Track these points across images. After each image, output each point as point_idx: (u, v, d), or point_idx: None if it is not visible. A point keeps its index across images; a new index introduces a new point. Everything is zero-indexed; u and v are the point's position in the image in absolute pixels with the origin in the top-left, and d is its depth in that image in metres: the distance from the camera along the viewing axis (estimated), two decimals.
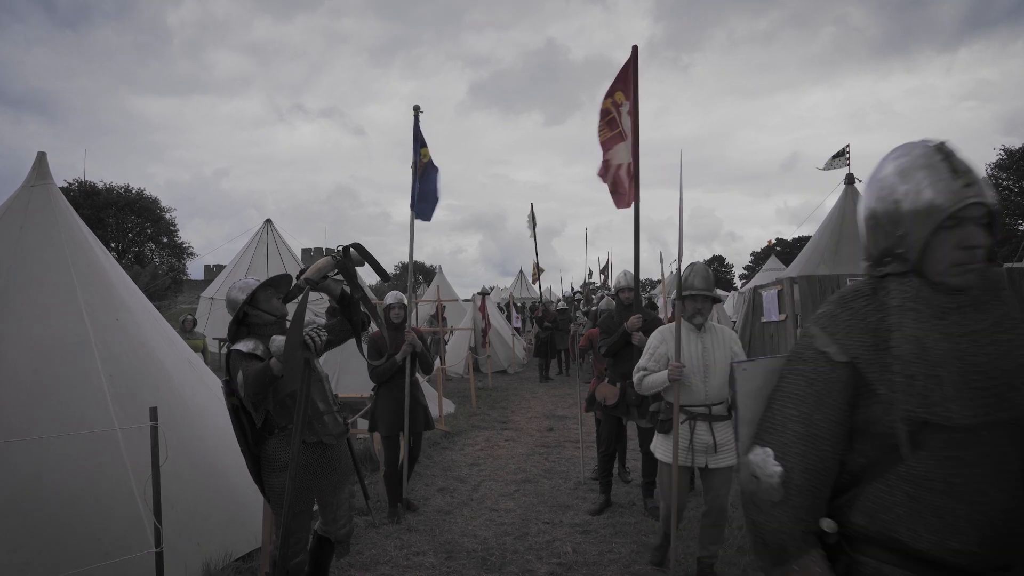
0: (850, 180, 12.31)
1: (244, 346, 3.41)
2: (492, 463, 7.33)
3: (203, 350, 11.01)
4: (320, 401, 3.48)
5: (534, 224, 19.07)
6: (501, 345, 16.67)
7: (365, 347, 5.22)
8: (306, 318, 3.41)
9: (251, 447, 3.45)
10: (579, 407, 9.66)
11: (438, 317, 14.53)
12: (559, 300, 22.24)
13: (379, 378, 5.51)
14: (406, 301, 5.75)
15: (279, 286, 3.58)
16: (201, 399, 4.74)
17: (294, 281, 3.39)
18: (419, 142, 5.85)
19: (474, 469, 7.11)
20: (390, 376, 5.50)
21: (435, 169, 6.03)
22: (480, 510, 5.74)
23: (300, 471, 3.27)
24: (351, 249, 3.21)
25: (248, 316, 3.53)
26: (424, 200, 5.91)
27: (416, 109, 5.88)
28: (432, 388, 10.03)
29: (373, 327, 5.25)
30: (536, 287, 19.89)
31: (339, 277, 3.25)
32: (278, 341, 3.30)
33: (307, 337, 3.16)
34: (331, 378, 5.48)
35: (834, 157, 12.80)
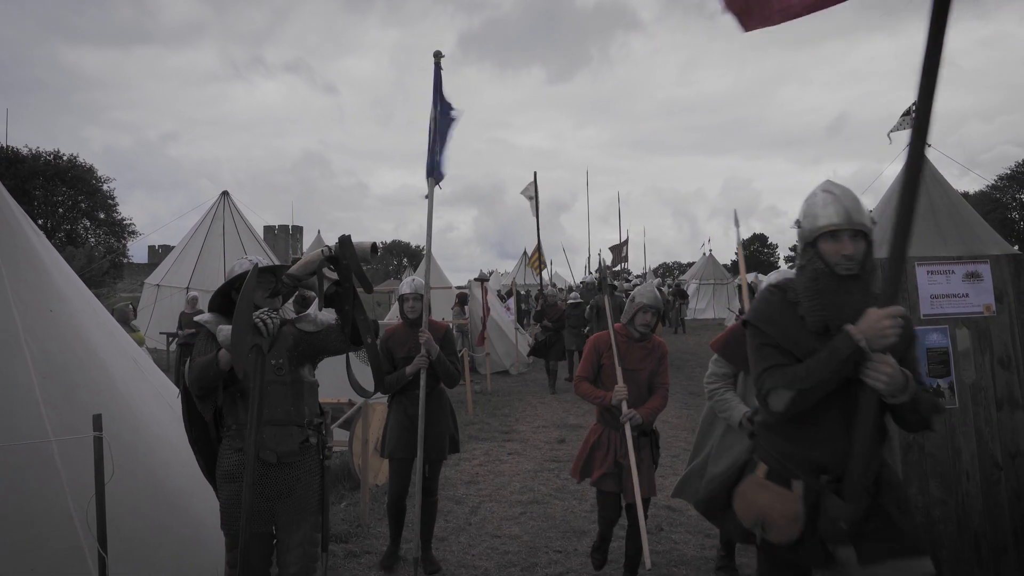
0: None
1: (204, 318, 3.47)
2: (493, 481, 7.34)
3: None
4: (274, 407, 3.46)
5: (537, 198, 17.68)
6: (502, 341, 16.66)
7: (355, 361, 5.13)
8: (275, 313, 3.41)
9: (213, 446, 3.52)
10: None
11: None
12: (569, 288, 21.75)
13: (389, 389, 5.18)
14: (423, 291, 5.32)
15: (277, 275, 3.59)
16: (150, 405, 4.73)
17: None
18: (440, 94, 5.75)
19: (472, 488, 7.12)
20: (403, 386, 5.16)
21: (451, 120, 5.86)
22: (479, 537, 5.75)
23: (250, 490, 3.25)
24: (342, 244, 3.20)
25: (233, 304, 3.54)
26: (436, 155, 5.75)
27: (437, 56, 5.80)
28: None
29: (393, 316, 5.19)
30: (540, 276, 19.17)
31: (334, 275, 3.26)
32: (226, 331, 3.30)
33: (257, 320, 3.16)
34: None
35: (901, 116, 12.73)
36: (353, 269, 3.23)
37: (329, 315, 3.66)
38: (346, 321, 3.37)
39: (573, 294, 15.05)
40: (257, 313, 3.20)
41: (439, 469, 5.24)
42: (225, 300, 3.63)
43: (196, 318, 3.55)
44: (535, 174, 16.60)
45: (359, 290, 3.25)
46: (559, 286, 29.43)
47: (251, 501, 3.18)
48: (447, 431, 5.22)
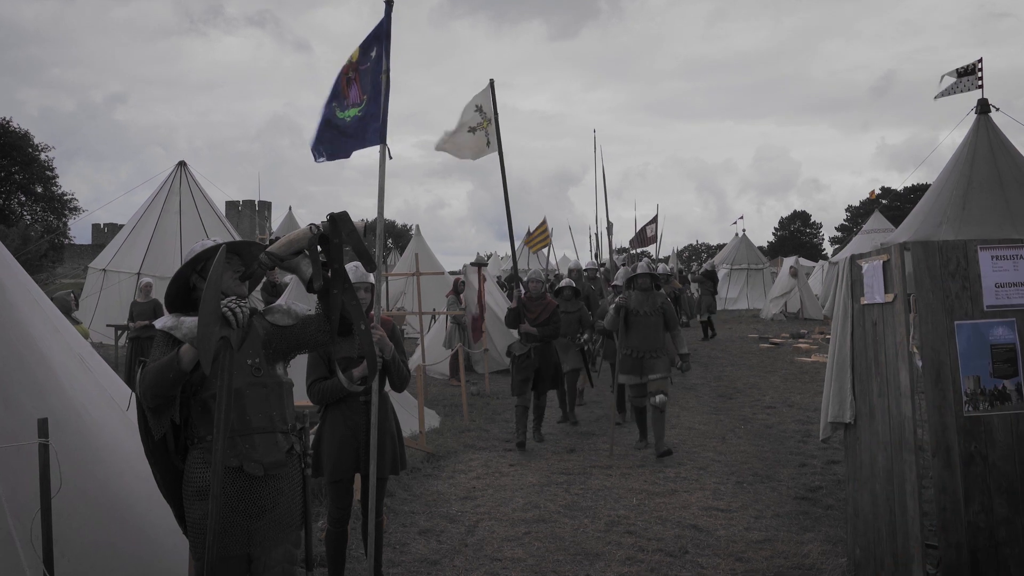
0: (984, 108, 12.22)
1: (162, 322, 3.45)
2: (493, 496, 7.40)
3: None
4: (257, 412, 3.50)
5: (497, 124, 9.86)
6: (502, 335, 16.69)
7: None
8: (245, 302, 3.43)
9: (172, 457, 3.51)
10: (611, 419, 9.73)
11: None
12: (581, 270, 20.68)
13: (322, 398, 5.10)
14: (372, 280, 5.34)
15: (242, 255, 3.60)
16: (100, 408, 4.77)
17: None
18: (387, 44, 5.75)
19: (468, 504, 7.18)
20: (344, 395, 5.10)
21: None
22: (478, 560, 5.81)
23: (219, 504, 3.29)
24: (337, 220, 3.24)
25: (195, 292, 3.56)
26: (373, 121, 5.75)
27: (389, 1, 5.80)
28: (410, 395, 10.10)
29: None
30: (539, 257, 18.71)
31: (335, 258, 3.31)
32: (188, 323, 3.33)
33: (225, 309, 3.18)
34: None
35: (961, 75, 12.65)
36: (355, 247, 3.29)
37: (303, 306, 3.70)
38: (333, 308, 3.41)
39: (566, 280, 11.85)
40: (225, 301, 3.21)
41: (385, 487, 5.32)
42: (184, 290, 3.63)
43: (155, 323, 3.53)
44: (491, 82, 9.48)
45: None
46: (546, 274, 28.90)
47: (219, 519, 3.21)
48: (393, 444, 5.27)
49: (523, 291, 9.84)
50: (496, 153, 9.25)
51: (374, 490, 5.06)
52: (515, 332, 10.00)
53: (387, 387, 5.31)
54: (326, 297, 3.42)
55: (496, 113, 9.19)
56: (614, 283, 11.63)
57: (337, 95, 5.86)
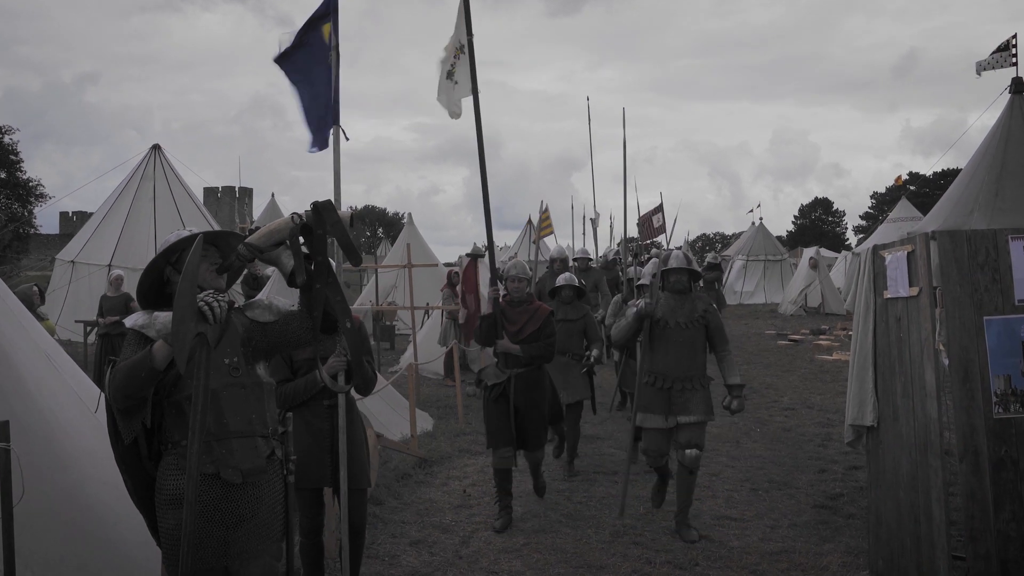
0: (1018, 87, 12.19)
1: (133, 320, 3.45)
2: (489, 505, 7.40)
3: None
4: (235, 415, 3.51)
5: (470, 45, 7.79)
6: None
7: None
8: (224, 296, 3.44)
9: (144, 463, 3.52)
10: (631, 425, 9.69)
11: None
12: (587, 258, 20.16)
13: (285, 401, 5.06)
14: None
15: (220, 246, 3.60)
16: (67, 410, 4.77)
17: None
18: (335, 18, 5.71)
19: (463, 513, 7.19)
20: (307, 398, 5.14)
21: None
22: (473, 573, 5.82)
23: (193, 512, 3.29)
24: (321, 210, 3.24)
25: (169, 286, 3.56)
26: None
27: None
28: (401, 395, 10.10)
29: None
30: (540, 248, 18.40)
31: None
32: (162, 319, 3.33)
33: (202, 304, 3.18)
34: None
35: (994, 52, 12.64)
36: (339, 239, 3.30)
37: (285, 301, 3.70)
38: (316, 304, 3.42)
39: (564, 276, 9.46)
40: (201, 296, 3.21)
41: (365, 499, 5.30)
42: (158, 284, 3.63)
43: (126, 321, 3.53)
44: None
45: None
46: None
47: (194, 529, 3.22)
48: (364, 453, 5.27)
49: (502, 291, 7.29)
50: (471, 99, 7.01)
51: (345, 498, 5.03)
52: (491, 351, 7.40)
53: (352, 391, 5.23)
54: (309, 292, 3.43)
55: (470, 36, 6.99)
56: (639, 282, 10.02)
57: (307, 78, 5.81)
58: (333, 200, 5.63)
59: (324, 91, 5.64)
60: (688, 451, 6.53)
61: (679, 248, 8.49)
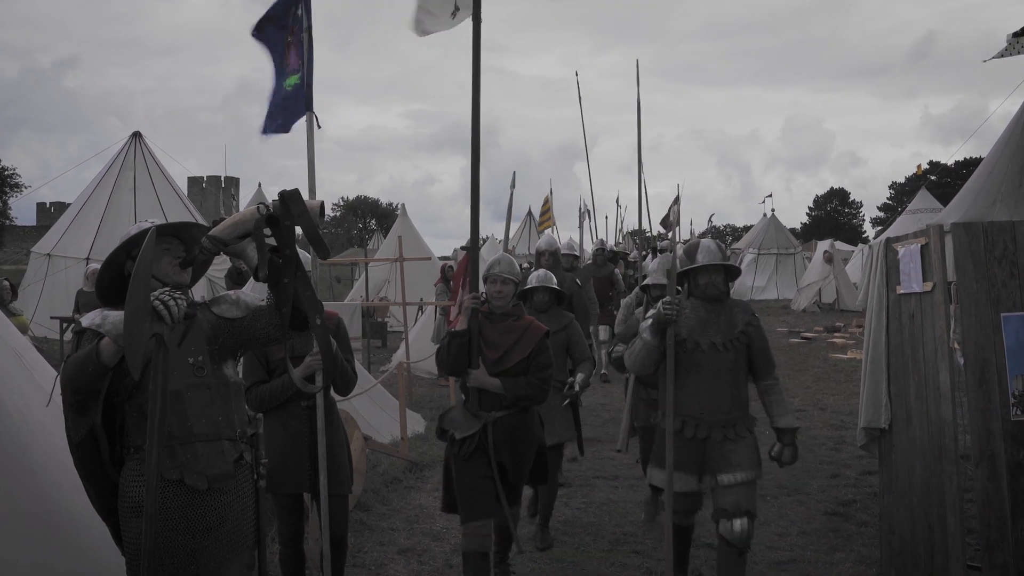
0: None
1: (89, 319, 3.42)
2: None
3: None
4: (200, 418, 3.49)
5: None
6: None
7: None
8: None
9: (106, 469, 3.50)
10: (624, 426, 9.68)
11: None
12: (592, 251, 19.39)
13: (261, 403, 5.05)
14: (310, 266, 5.17)
15: (183, 239, 3.57)
16: (37, 412, 4.76)
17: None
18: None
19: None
20: (283, 400, 5.08)
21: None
22: None
23: (156, 521, 3.27)
24: (288, 200, 3.22)
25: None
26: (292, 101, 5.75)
27: None
28: (391, 395, 10.09)
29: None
30: (546, 237, 18.03)
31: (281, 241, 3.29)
32: (113, 318, 3.30)
33: (157, 303, 3.13)
34: None
35: (1016, 35, 12.61)
36: (305, 230, 3.27)
37: (254, 296, 3.68)
38: (284, 299, 3.39)
39: (538, 272, 7.28)
40: (156, 293, 3.15)
41: (346, 506, 5.27)
42: (119, 279, 3.56)
43: (83, 320, 3.44)
44: None
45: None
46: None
47: (154, 539, 3.19)
48: (345, 457, 5.25)
49: (480, 297, 5.43)
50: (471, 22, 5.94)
51: (326, 505, 5.00)
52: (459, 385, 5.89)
53: (332, 392, 5.23)
54: (277, 287, 3.40)
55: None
56: (645, 282, 7.24)
57: (281, 61, 5.83)
58: (308, 191, 5.64)
59: (283, 73, 5.67)
60: (736, 521, 4.92)
61: (706, 236, 7.44)
